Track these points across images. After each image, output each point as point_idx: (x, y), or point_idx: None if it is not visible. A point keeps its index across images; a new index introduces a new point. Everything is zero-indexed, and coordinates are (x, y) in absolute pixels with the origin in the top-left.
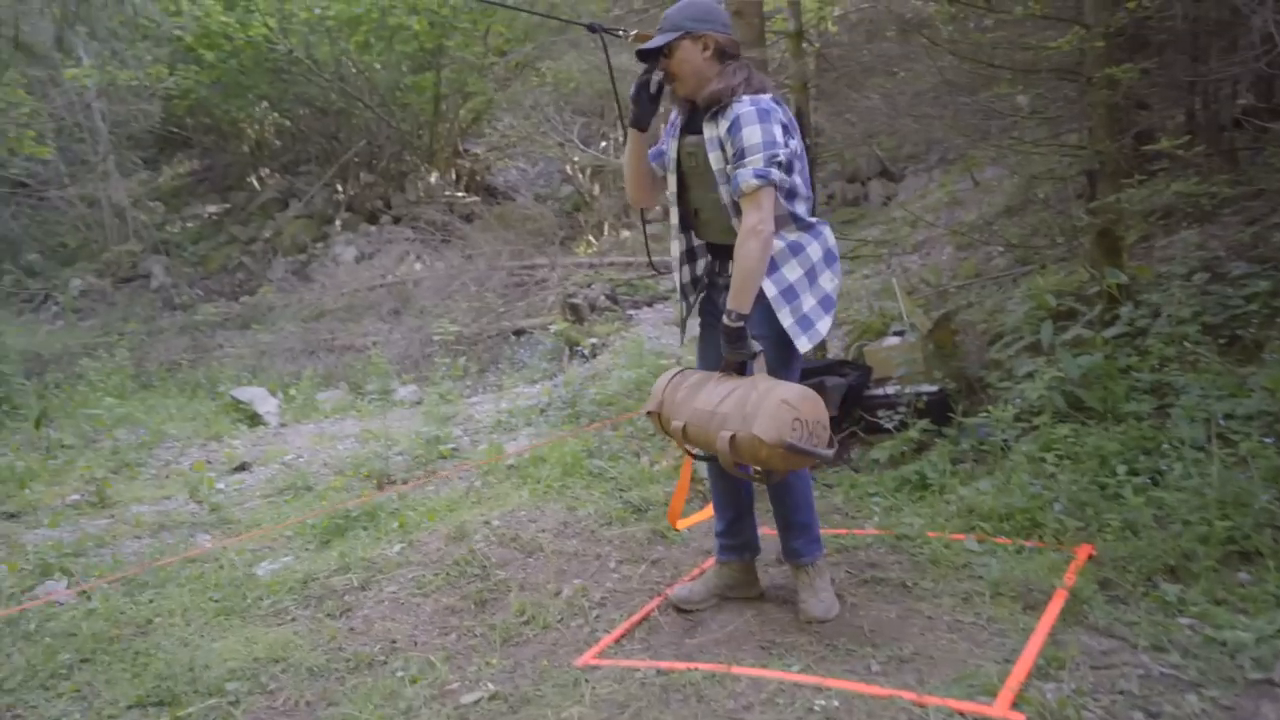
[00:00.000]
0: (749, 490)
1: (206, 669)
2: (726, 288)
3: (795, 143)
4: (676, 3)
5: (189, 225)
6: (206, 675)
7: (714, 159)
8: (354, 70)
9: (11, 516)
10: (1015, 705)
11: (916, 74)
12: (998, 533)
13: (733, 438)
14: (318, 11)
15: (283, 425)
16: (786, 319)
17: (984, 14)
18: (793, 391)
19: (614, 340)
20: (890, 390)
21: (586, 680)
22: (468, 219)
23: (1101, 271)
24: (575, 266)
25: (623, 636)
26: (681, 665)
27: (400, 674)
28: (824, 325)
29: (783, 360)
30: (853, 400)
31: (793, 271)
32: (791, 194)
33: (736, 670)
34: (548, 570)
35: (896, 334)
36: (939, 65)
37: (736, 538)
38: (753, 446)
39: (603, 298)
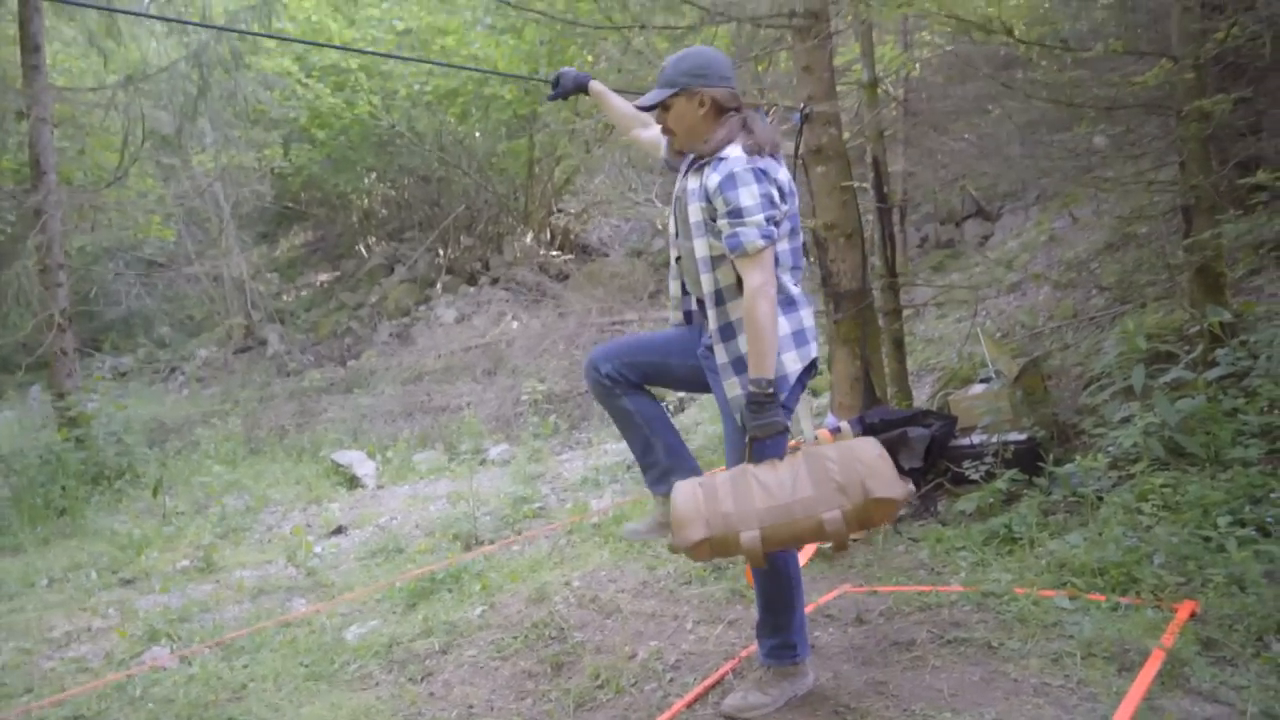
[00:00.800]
0: (646, 415)
1: None
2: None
3: (788, 208)
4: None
5: (302, 294)
6: None
7: (693, 210)
8: (453, 139)
9: (128, 583)
10: None
11: (1002, 115)
12: (1090, 589)
13: (843, 513)
14: (417, 87)
15: (379, 487)
16: (734, 389)
17: (1063, 54)
18: (869, 443)
19: (700, 395)
20: (976, 440)
21: None
22: (563, 277)
23: (1202, 310)
24: (663, 321)
25: (695, 701)
26: None
27: None
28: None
29: (737, 448)
30: (937, 451)
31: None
32: (775, 260)
33: None
34: (625, 632)
35: (983, 381)
36: (1020, 107)
37: (654, 466)
38: (870, 510)
39: None
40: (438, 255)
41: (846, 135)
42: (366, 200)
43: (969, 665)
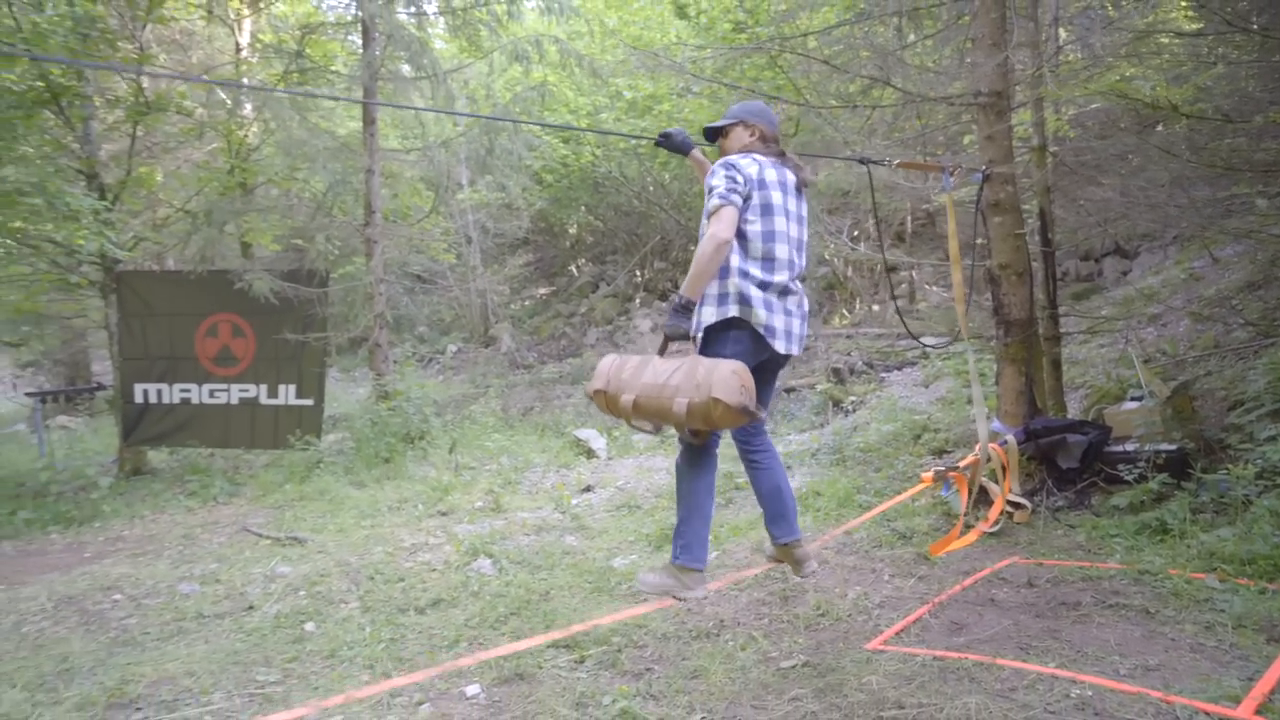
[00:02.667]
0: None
1: (595, 627)
2: None
3: (760, 195)
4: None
5: (526, 303)
6: (595, 631)
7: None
8: (654, 182)
9: (443, 514)
10: (1260, 711)
11: (1140, 165)
12: (1239, 574)
13: (689, 404)
14: (631, 142)
15: (610, 459)
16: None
17: (1222, 124)
18: (737, 364)
19: (870, 399)
20: (1130, 447)
21: (876, 660)
22: None
23: None
24: (834, 336)
25: (900, 631)
26: (954, 655)
27: (730, 643)
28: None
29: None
30: (1093, 455)
31: (711, 287)
32: (744, 235)
33: (1000, 661)
34: (834, 578)
35: (1135, 399)
36: (1171, 167)
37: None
38: (707, 409)
39: (860, 363)
40: (636, 275)
41: (1011, 188)
42: (578, 229)
43: (1130, 625)
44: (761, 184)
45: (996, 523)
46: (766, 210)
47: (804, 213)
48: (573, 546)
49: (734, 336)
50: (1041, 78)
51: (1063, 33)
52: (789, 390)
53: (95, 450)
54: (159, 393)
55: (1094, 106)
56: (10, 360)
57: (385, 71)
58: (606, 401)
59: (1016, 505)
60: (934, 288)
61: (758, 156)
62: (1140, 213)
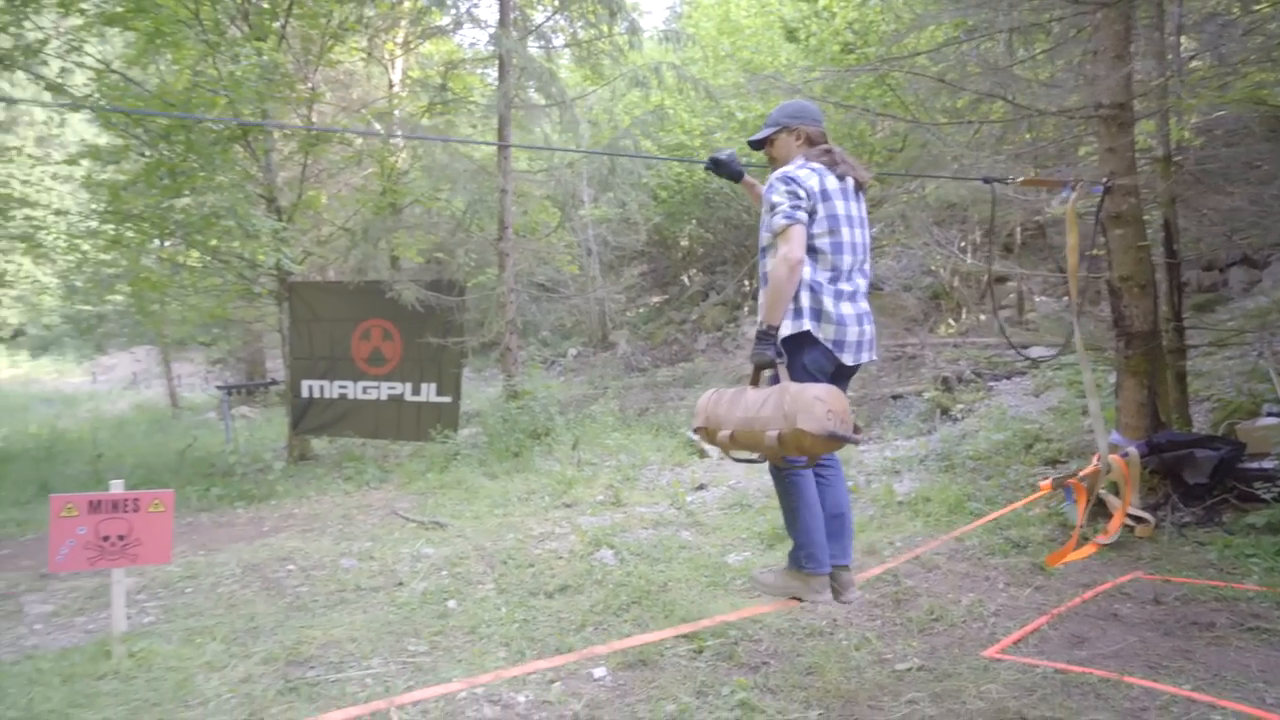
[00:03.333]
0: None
1: (700, 615)
2: None
3: (826, 206)
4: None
5: (640, 310)
6: (696, 619)
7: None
8: None
9: (567, 506)
10: None
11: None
12: None
13: (779, 435)
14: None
15: (720, 459)
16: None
17: None
18: (822, 389)
19: (978, 407)
20: (1269, 464)
21: (994, 668)
22: None
23: None
24: (942, 345)
25: (1018, 641)
26: (1078, 669)
27: (845, 642)
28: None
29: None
30: (1224, 471)
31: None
32: (814, 249)
33: (1129, 680)
34: (946, 584)
35: (1272, 414)
36: None
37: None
38: (797, 439)
39: (968, 371)
40: (744, 285)
41: (1134, 200)
42: (689, 241)
43: (1272, 650)
44: (825, 195)
45: (1115, 535)
46: (833, 221)
47: (865, 214)
48: (688, 541)
49: (808, 350)
50: (1167, 88)
51: (1186, 41)
52: (895, 397)
53: (269, 438)
54: (321, 388)
55: (1220, 114)
56: (203, 358)
57: (518, 100)
58: (707, 436)
59: (1138, 519)
60: (1043, 298)
61: (814, 165)
62: (1274, 221)
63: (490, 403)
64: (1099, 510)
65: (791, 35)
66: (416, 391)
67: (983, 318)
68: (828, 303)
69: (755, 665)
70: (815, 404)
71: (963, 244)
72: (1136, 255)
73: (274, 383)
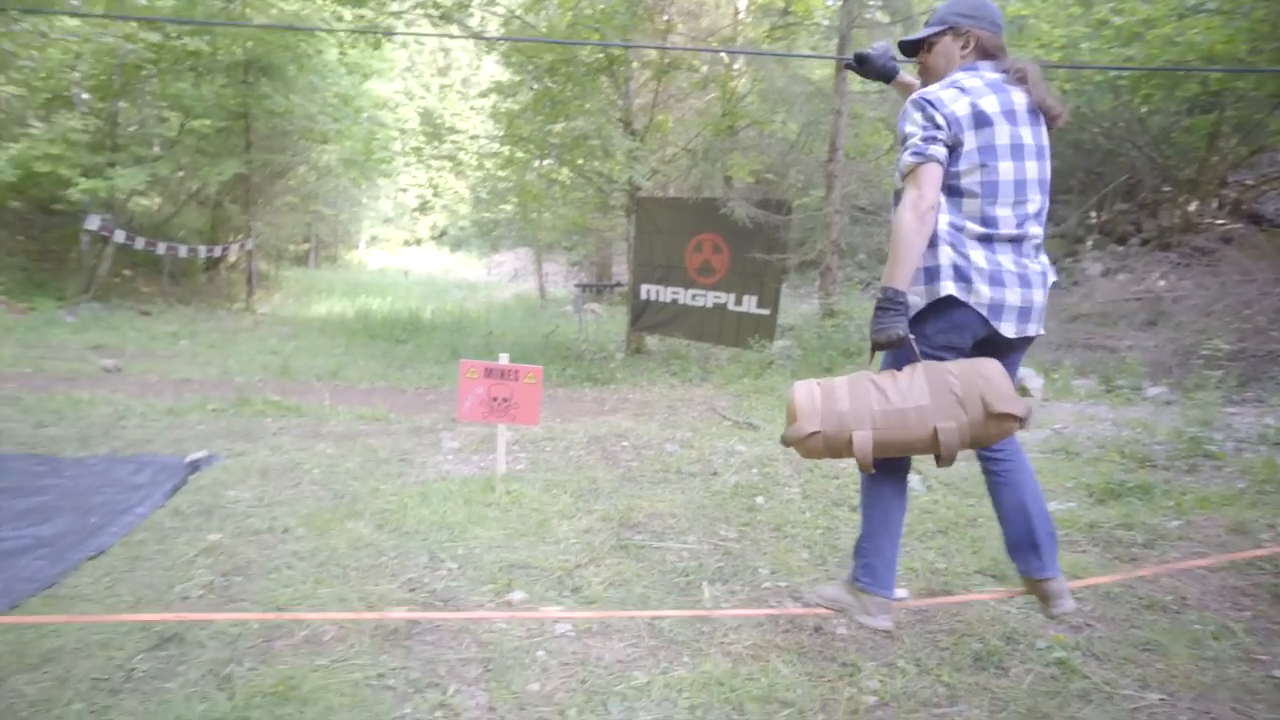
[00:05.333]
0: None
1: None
2: None
3: (981, 135)
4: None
5: None
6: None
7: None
8: (1130, 117)
9: None
10: None
11: None
12: None
13: (959, 426)
14: (1111, 74)
15: (1045, 400)
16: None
17: None
18: (992, 363)
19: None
20: None
21: None
22: (1226, 242)
23: None
24: None
25: None
26: None
27: (1197, 626)
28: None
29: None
30: None
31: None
32: (960, 192)
33: None
34: None
35: None
36: None
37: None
38: (986, 429)
39: None
40: (1089, 217)
41: None
42: None
43: None
44: (979, 120)
45: None
46: (987, 154)
47: (1044, 141)
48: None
49: (946, 320)
50: None
51: None
52: None
53: (612, 331)
54: (657, 292)
55: None
56: (565, 260)
57: (860, 19)
58: (825, 444)
59: None
60: None
61: (968, 83)
62: None
63: (804, 319)
64: None
65: None
66: (739, 302)
67: None
68: (977, 255)
69: (1077, 625)
70: (999, 379)
71: None
72: None
73: (619, 284)
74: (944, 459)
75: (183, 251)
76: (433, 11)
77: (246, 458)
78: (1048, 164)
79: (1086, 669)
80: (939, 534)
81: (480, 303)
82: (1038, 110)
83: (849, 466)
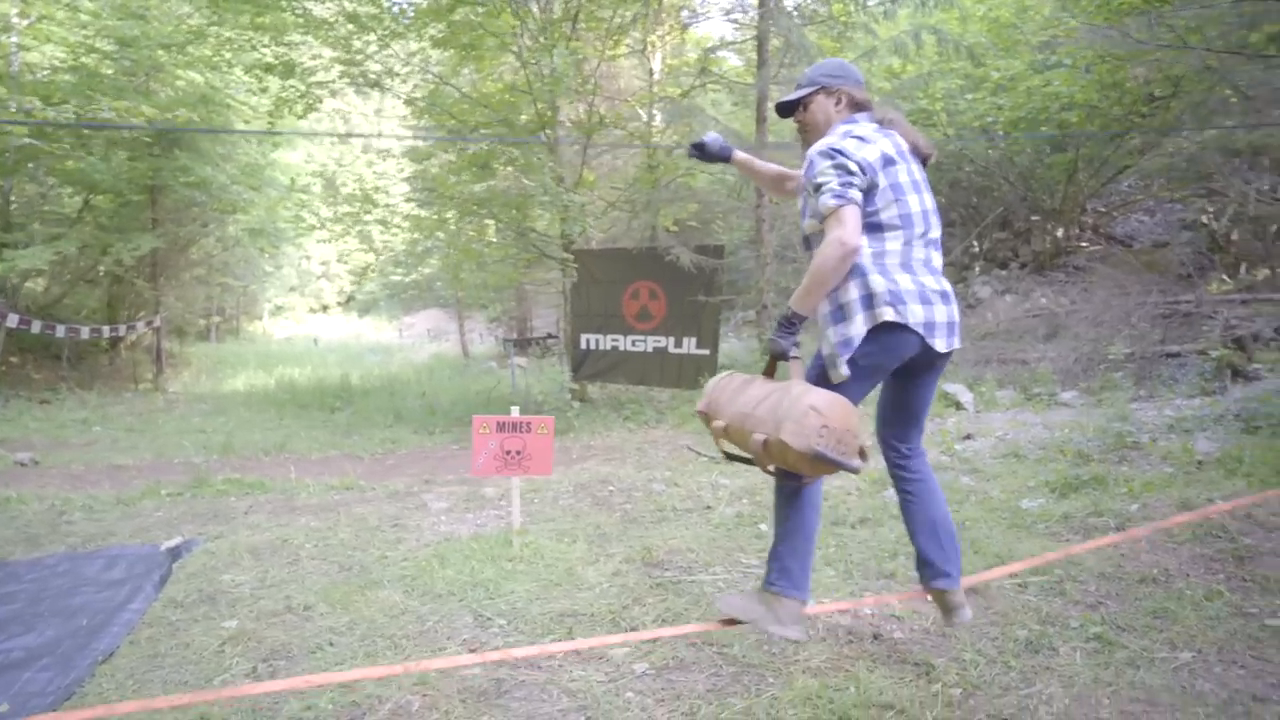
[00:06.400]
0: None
1: (1015, 554)
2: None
3: (889, 174)
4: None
5: None
6: (1013, 558)
7: (801, 199)
8: (1001, 156)
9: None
10: None
11: None
12: None
13: (765, 441)
14: (990, 119)
15: (978, 412)
16: (826, 345)
17: None
18: (823, 398)
19: None
20: None
21: None
22: (1102, 260)
23: None
24: (1224, 301)
25: None
26: None
27: (1189, 592)
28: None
29: (820, 376)
30: None
31: (846, 294)
32: (880, 227)
33: None
34: None
35: None
36: None
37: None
38: (781, 450)
39: (1269, 330)
40: (974, 246)
41: None
42: None
43: None
44: (886, 161)
45: None
46: (897, 190)
47: (925, 177)
48: (972, 486)
49: (883, 346)
50: None
51: None
52: (1172, 355)
53: (544, 383)
54: (597, 341)
55: None
56: (484, 316)
57: (780, 76)
58: (705, 421)
59: None
60: None
61: (860, 131)
62: None
63: (747, 355)
64: None
65: None
66: (679, 344)
67: (1267, 272)
68: (904, 280)
69: (1092, 604)
70: (809, 415)
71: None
72: None
73: (552, 336)
74: (762, 467)
75: (85, 333)
76: (360, 80)
77: (226, 539)
78: (931, 196)
79: (1122, 640)
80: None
81: (401, 365)
82: (914, 151)
83: (832, 490)
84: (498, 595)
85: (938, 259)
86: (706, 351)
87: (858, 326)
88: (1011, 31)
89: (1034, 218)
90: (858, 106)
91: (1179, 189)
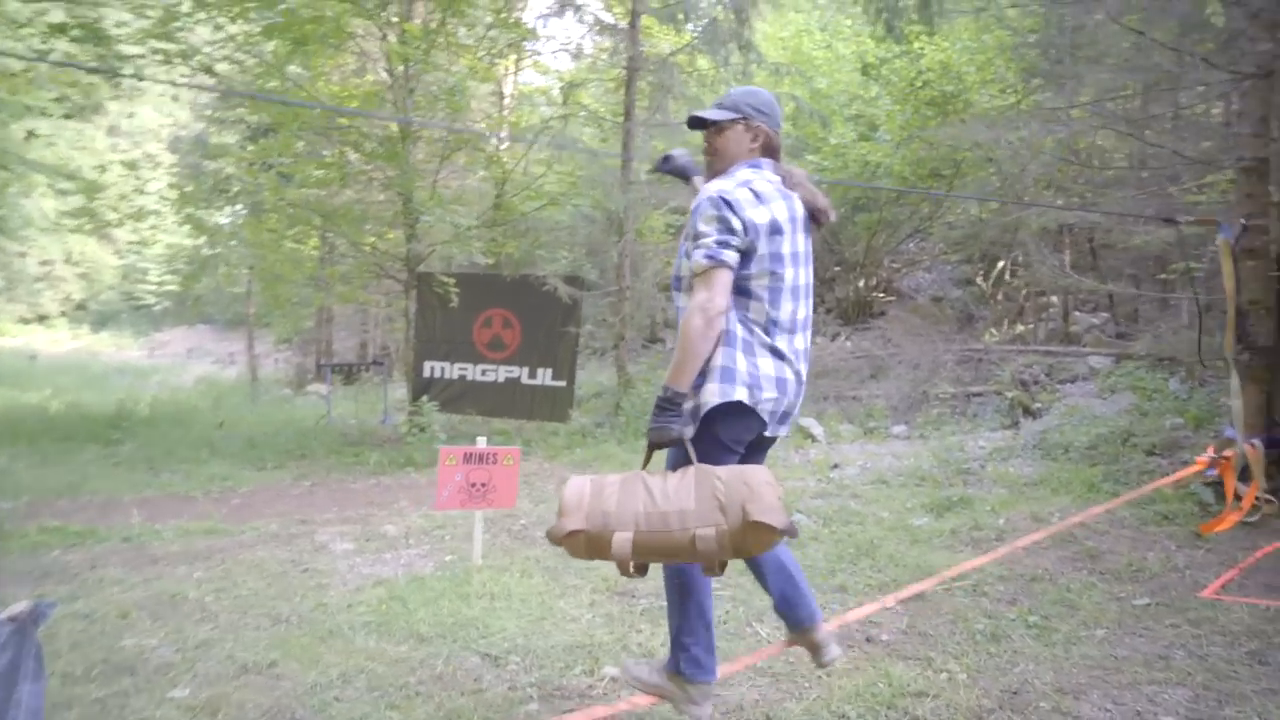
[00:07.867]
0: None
1: (930, 566)
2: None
3: (772, 242)
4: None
5: None
6: (930, 569)
7: (685, 236)
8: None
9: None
10: None
11: None
12: None
13: (717, 533)
14: (815, 179)
15: (829, 444)
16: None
17: None
18: (758, 471)
19: (1055, 407)
20: None
21: (1220, 606)
22: (905, 309)
23: None
24: (1009, 351)
25: (1224, 586)
26: None
27: (1070, 586)
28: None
29: (707, 451)
30: None
31: (713, 358)
32: (749, 294)
33: None
34: (1125, 545)
35: None
36: None
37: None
38: (751, 535)
39: (1042, 374)
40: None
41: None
42: None
43: None
44: (773, 228)
45: (1253, 512)
46: (776, 261)
47: (810, 249)
48: (860, 510)
49: (732, 422)
50: None
51: None
52: (972, 395)
53: (363, 411)
54: (442, 369)
55: None
56: (272, 338)
57: (653, 120)
58: (588, 543)
59: (1267, 499)
60: (1080, 312)
61: (759, 186)
62: None
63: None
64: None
65: (866, 70)
66: (533, 375)
67: (1020, 328)
68: (765, 363)
69: (1009, 601)
70: (765, 489)
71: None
72: (1264, 283)
73: (378, 362)
74: (706, 568)
75: None
76: (177, 59)
77: (89, 600)
78: (811, 270)
79: (1051, 624)
80: (862, 557)
81: (164, 389)
82: (810, 217)
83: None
84: (491, 634)
85: (802, 340)
86: (563, 383)
87: (709, 395)
88: (854, 103)
89: (836, 268)
90: (769, 151)
91: (954, 252)
